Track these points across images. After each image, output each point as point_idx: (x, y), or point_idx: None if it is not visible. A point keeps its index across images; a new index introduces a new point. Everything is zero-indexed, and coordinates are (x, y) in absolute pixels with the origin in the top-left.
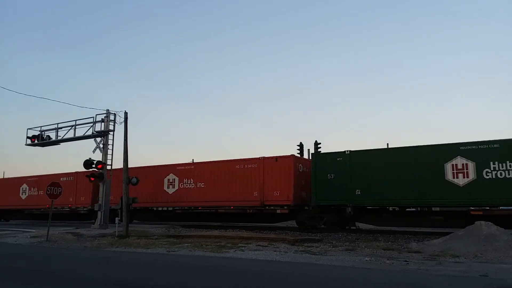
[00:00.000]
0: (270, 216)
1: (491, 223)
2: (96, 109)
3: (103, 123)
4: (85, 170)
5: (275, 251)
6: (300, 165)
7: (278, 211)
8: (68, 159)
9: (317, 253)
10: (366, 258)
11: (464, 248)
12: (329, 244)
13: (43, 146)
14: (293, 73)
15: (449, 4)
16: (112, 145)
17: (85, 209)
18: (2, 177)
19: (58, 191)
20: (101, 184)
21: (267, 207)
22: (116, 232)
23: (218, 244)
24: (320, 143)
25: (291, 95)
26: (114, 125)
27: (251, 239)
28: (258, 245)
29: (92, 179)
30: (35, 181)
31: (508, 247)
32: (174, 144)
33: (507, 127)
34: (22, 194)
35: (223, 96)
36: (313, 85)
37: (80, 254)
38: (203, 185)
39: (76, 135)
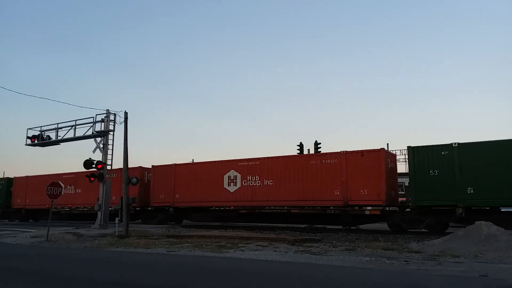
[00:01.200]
0: (356, 217)
1: (491, 223)
2: (96, 109)
3: (103, 123)
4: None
5: (275, 251)
6: (389, 160)
7: (368, 212)
8: (68, 159)
9: (317, 253)
10: (366, 258)
11: (464, 248)
12: (329, 244)
13: (43, 146)
14: (293, 73)
15: (448, 4)
16: (112, 145)
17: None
18: (38, 174)
19: (58, 191)
20: (101, 184)
21: (352, 207)
22: (116, 232)
23: (218, 244)
24: (320, 143)
25: (291, 95)
26: (114, 125)
27: (251, 239)
28: (258, 245)
29: (92, 179)
30: (72, 178)
31: (508, 247)
32: (174, 144)
33: (507, 127)
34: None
35: (223, 96)
36: (313, 85)
37: (80, 254)
38: (271, 182)
39: (76, 135)
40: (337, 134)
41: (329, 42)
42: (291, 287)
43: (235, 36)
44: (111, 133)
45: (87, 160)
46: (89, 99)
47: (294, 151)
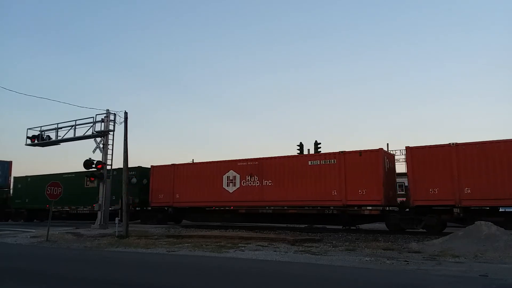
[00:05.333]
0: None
1: (491, 223)
2: (96, 109)
3: (103, 123)
4: (351, 151)
5: (275, 251)
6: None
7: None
8: (68, 159)
9: (317, 253)
10: (366, 258)
11: (464, 248)
12: (329, 244)
13: (43, 146)
14: (294, 75)
15: (447, 7)
16: (112, 145)
17: (372, 208)
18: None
19: (58, 191)
20: (101, 184)
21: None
22: (116, 232)
23: (218, 244)
24: (320, 143)
25: (291, 96)
26: (114, 125)
27: (251, 239)
28: (258, 245)
29: (92, 178)
30: (248, 166)
31: (508, 247)
32: (174, 144)
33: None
34: (227, 186)
35: (223, 96)
36: (313, 86)
37: (80, 254)
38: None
39: (76, 135)
40: (337, 134)
41: (329, 44)
42: (291, 287)
43: (235, 38)
44: (111, 133)
45: (87, 160)
46: (89, 99)
47: (294, 151)
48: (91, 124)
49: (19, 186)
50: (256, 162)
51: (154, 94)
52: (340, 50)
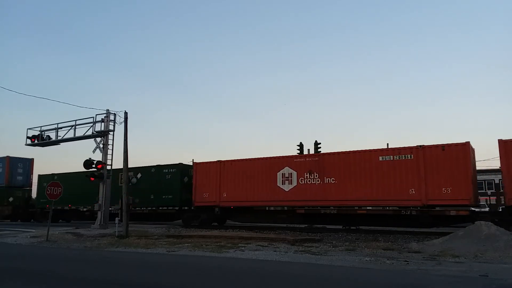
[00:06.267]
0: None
1: (491, 223)
2: (96, 109)
3: (103, 123)
4: (429, 145)
5: (275, 251)
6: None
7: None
8: (68, 159)
9: (317, 253)
10: (366, 258)
11: (464, 248)
12: (329, 244)
13: (43, 146)
14: (294, 75)
15: (447, 7)
16: (112, 145)
17: (459, 208)
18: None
19: (58, 191)
20: (101, 184)
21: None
22: (116, 232)
23: (218, 244)
24: (320, 143)
25: (291, 96)
26: (114, 125)
27: (251, 239)
28: (258, 245)
29: (92, 179)
30: (306, 162)
31: (508, 247)
32: (174, 143)
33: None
34: (283, 184)
35: (223, 96)
36: (313, 86)
37: (80, 254)
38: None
39: (76, 135)
40: (337, 134)
41: (329, 44)
42: (291, 287)
43: (235, 38)
44: (111, 133)
45: (87, 160)
46: (89, 99)
47: (294, 151)
48: (91, 124)
49: (45, 184)
50: (316, 158)
51: (154, 94)
52: (340, 50)
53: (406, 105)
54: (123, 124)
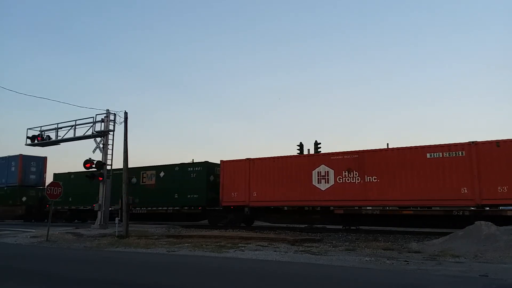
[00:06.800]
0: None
1: (491, 223)
2: (96, 109)
3: (103, 123)
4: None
5: (275, 251)
6: None
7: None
8: (68, 159)
9: (317, 253)
10: (366, 258)
11: (464, 248)
12: (329, 244)
13: (43, 146)
14: (294, 75)
15: (447, 7)
16: (112, 145)
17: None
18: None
19: (58, 191)
20: (101, 184)
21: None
22: (116, 232)
23: (218, 244)
24: (320, 143)
25: (291, 96)
26: (114, 125)
27: (251, 239)
28: (258, 245)
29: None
30: (344, 160)
31: (508, 247)
32: (174, 143)
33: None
34: (318, 183)
35: (223, 96)
36: (313, 86)
37: (80, 254)
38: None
39: (76, 135)
40: (337, 134)
41: (329, 44)
42: (291, 287)
43: (235, 38)
44: (111, 133)
45: (87, 160)
46: (89, 99)
47: (294, 151)
48: (91, 124)
49: (61, 183)
50: (356, 156)
51: (154, 94)
52: (340, 50)
53: (406, 105)
54: (123, 124)
